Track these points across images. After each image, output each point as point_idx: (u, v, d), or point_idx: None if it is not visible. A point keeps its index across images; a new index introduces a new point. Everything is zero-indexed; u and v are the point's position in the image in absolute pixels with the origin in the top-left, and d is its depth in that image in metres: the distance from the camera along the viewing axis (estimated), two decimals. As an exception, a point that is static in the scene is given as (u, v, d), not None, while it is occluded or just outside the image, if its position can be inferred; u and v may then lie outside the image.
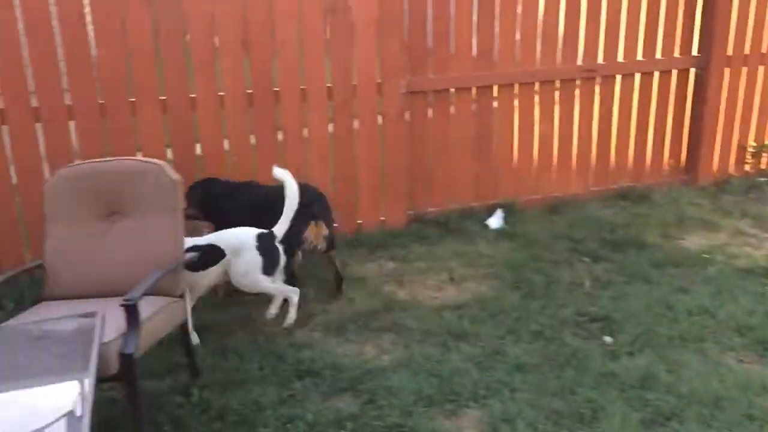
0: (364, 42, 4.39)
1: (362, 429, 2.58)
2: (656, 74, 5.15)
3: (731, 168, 5.41)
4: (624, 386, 2.79)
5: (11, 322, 2.57)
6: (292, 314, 3.42)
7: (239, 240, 3.30)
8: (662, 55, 5.11)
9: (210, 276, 3.30)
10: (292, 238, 3.43)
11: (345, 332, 3.35)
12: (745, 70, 5.25)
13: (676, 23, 5.10)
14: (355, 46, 4.38)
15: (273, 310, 3.46)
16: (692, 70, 5.21)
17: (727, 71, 5.21)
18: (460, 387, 2.80)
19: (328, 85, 4.39)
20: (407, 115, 4.63)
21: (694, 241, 4.31)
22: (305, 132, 4.44)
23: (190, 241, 3.09)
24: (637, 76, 5.13)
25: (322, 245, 3.58)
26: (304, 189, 3.53)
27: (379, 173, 4.61)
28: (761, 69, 5.28)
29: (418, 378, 2.88)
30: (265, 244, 3.29)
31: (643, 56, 5.08)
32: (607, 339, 3.19)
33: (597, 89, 5.07)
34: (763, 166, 5.47)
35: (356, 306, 3.63)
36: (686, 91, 5.25)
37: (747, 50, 5.21)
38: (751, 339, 3.12)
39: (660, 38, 5.08)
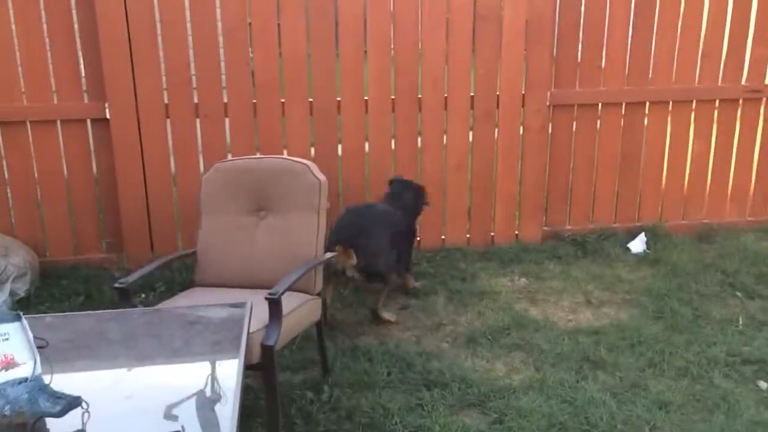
0: (512, 51, 4.31)
1: (490, 448, 2.51)
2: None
3: None
4: (782, 439, 2.54)
5: (165, 304, 2.74)
6: None
7: None
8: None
9: None
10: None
11: (474, 346, 3.29)
12: None
13: None
14: (502, 55, 4.31)
15: None
16: None
17: None
18: (595, 418, 2.66)
19: (471, 94, 4.35)
20: (550, 128, 4.50)
21: None
22: (445, 140, 4.42)
23: None
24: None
25: (353, 273, 3.34)
26: (354, 212, 3.60)
27: (516, 186, 4.51)
28: None
29: (550, 403, 2.76)
30: None
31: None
32: (763, 384, 2.92)
33: (762, 111, 4.68)
34: None
35: (486, 320, 3.56)
36: None
37: None
38: None
39: None
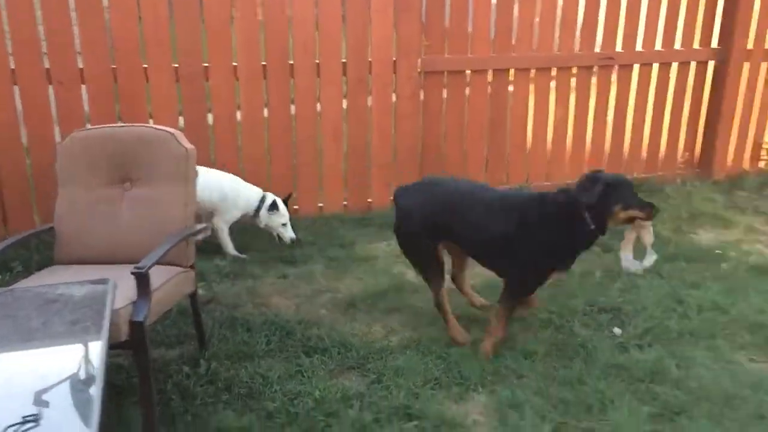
0: (381, 19, 4.32)
1: (369, 408, 2.56)
2: (674, 65, 5.09)
3: (746, 164, 5.37)
4: (633, 379, 2.77)
5: (22, 284, 2.54)
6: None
7: None
8: (682, 46, 5.04)
9: None
10: None
11: (353, 311, 3.33)
12: (765, 65, 5.18)
13: (697, 14, 5.03)
14: (372, 22, 4.31)
15: None
16: (711, 63, 5.15)
17: (746, 66, 5.15)
18: (468, 371, 2.78)
19: (343, 60, 4.33)
20: (422, 95, 4.58)
21: (706, 237, 4.28)
22: (319, 107, 4.39)
23: None
24: (655, 66, 5.06)
25: None
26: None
27: (391, 152, 4.57)
28: (781, 65, 5.22)
29: (425, 360, 2.86)
30: None
31: (663, 46, 5.01)
32: (617, 330, 3.17)
33: (614, 78, 5.01)
34: (776, 164, 5.43)
35: (365, 285, 3.60)
36: (704, 83, 5.19)
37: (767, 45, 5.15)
38: (762, 338, 3.09)
39: (680, 29, 5.01)
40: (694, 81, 5.16)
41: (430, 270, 3.05)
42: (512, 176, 4.91)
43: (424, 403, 2.59)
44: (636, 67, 5.02)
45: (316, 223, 4.34)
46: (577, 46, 4.84)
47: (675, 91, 5.14)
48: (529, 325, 3.19)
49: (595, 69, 4.93)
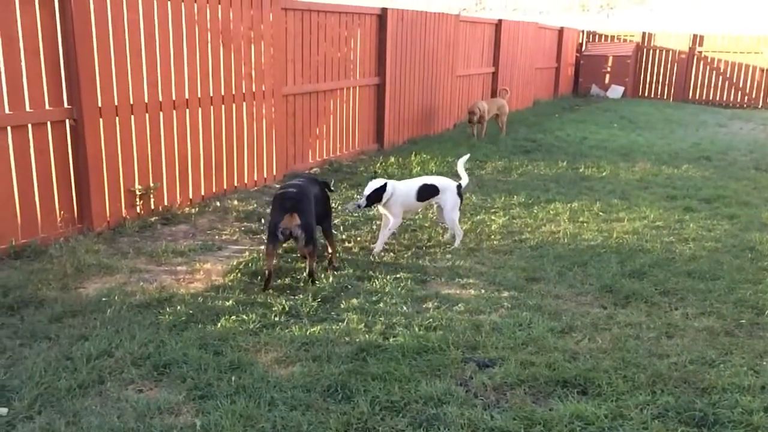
0: None
1: None
2: (30, 127, 4.98)
3: (124, 211, 5.67)
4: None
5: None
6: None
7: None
8: (32, 108, 4.98)
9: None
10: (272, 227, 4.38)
11: None
12: (117, 119, 5.56)
13: (41, 75, 5.03)
14: None
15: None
16: (67, 121, 5.24)
17: (101, 120, 5.43)
18: None
19: None
20: None
21: (93, 287, 4.34)
22: None
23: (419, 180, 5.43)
24: (9, 130, 4.86)
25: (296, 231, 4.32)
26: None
27: None
28: (133, 118, 5.68)
29: None
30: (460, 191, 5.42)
31: (11, 109, 4.84)
32: (2, 411, 2.91)
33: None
34: (152, 207, 5.92)
35: None
36: (65, 141, 5.25)
37: (116, 101, 5.52)
38: (149, 367, 3.30)
39: (26, 90, 4.92)
40: (54, 140, 5.16)
41: None
42: None
43: None
44: (-14, 134, 4.72)
45: None
46: None
47: (36, 153, 5.03)
48: None
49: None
